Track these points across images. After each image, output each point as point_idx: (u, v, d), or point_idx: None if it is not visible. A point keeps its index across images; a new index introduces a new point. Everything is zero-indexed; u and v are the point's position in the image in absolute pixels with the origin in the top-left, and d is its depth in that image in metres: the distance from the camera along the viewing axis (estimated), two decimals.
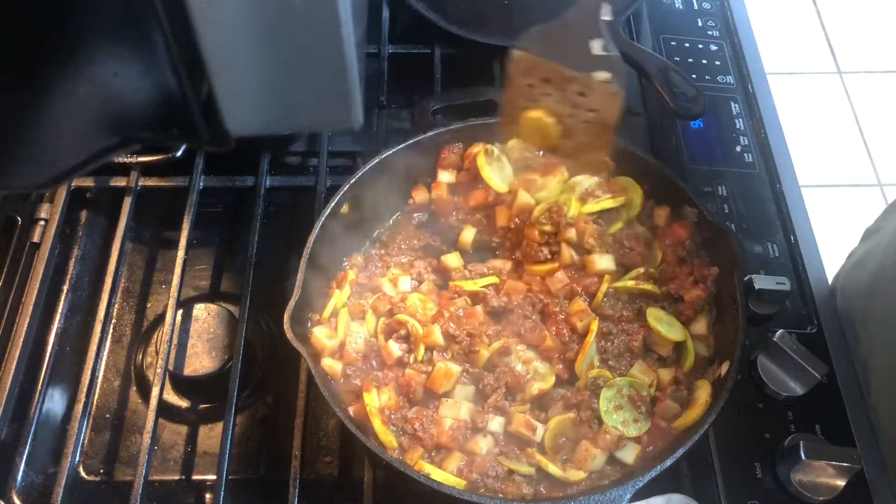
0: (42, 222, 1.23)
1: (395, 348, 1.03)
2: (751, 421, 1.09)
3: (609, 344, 1.06)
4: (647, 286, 1.08)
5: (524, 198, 1.16)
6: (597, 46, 0.99)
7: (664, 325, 1.05)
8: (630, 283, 1.09)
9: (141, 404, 1.16)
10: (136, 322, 1.25)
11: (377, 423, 0.96)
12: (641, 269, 1.11)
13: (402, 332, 1.05)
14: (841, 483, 1.02)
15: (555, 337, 1.05)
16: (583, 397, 1.01)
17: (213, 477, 1.04)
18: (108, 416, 1.15)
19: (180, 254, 1.19)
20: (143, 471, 1.01)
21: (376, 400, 0.99)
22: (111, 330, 1.22)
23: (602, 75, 0.98)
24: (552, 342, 1.05)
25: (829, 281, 1.26)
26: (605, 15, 1.00)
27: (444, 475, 0.94)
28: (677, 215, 1.14)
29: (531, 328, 1.06)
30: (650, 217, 1.16)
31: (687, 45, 1.51)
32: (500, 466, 0.96)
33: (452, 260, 1.16)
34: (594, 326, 1.04)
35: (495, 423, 0.99)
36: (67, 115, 0.55)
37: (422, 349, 1.03)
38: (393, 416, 0.99)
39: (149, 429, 1.04)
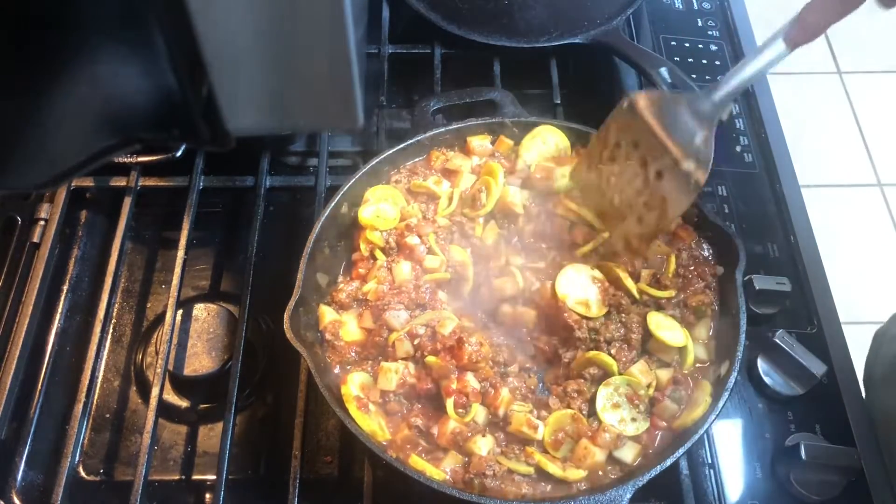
0: (42, 222, 1.23)
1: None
2: (751, 421, 1.09)
3: (605, 329, 1.06)
4: (652, 289, 1.08)
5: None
6: (699, 138, 0.97)
7: (665, 331, 1.05)
8: (627, 280, 1.08)
9: (141, 404, 1.17)
10: (136, 322, 1.25)
11: (353, 408, 0.97)
12: (647, 272, 1.11)
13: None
14: (841, 483, 1.02)
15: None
16: (578, 385, 1.02)
17: (213, 477, 1.04)
18: (108, 416, 1.16)
19: (180, 254, 1.19)
20: (143, 471, 1.01)
21: (353, 390, 0.99)
22: (111, 330, 1.22)
23: (690, 165, 0.96)
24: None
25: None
26: (724, 115, 0.99)
27: (443, 475, 0.94)
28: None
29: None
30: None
31: (687, 45, 1.51)
32: (497, 465, 0.96)
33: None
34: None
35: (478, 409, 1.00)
36: (67, 115, 0.55)
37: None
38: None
39: (149, 429, 1.04)
